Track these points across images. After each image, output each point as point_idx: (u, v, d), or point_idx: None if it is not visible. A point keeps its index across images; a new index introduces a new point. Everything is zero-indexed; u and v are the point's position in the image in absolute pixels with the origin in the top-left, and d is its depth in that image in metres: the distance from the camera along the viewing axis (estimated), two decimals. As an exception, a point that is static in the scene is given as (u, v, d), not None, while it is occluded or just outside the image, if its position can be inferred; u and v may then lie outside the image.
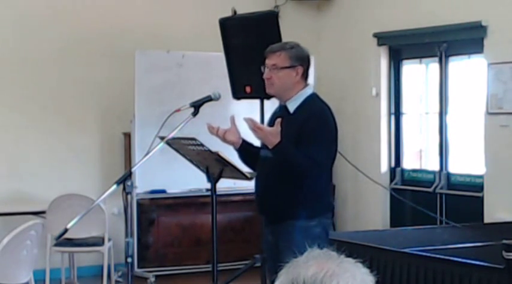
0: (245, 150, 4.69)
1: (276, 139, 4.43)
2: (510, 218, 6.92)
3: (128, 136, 8.51)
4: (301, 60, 4.64)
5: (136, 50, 8.19)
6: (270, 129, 4.52)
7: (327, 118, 4.60)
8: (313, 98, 4.67)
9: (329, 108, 4.66)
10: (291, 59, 4.62)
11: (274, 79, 4.62)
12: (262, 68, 4.70)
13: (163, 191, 8.41)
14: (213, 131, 4.61)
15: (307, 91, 4.65)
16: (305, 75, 4.66)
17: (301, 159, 4.44)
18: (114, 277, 7.88)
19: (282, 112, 4.69)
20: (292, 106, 4.62)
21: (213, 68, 8.21)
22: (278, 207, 4.60)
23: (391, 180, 8.78)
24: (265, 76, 4.64)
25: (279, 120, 4.49)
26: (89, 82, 8.60)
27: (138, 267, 8.23)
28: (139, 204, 8.36)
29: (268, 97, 5.88)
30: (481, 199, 7.64)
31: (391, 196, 8.68)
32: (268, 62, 4.65)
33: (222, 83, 7.30)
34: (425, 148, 8.72)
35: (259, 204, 4.78)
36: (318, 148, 4.47)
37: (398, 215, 8.67)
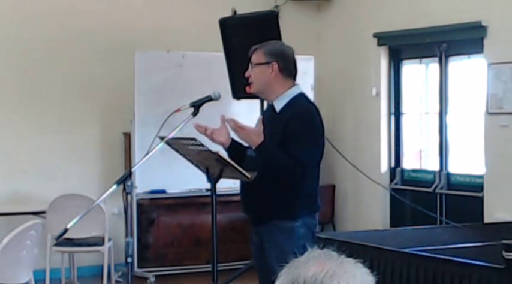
0: (234, 150, 4.67)
1: (259, 138, 4.40)
2: (510, 218, 6.92)
3: (128, 136, 8.51)
4: (276, 56, 4.59)
5: (136, 50, 8.19)
6: (252, 128, 4.49)
7: (312, 118, 4.56)
8: (300, 98, 4.61)
9: (316, 108, 4.62)
10: (265, 54, 4.59)
11: (252, 77, 4.62)
12: None
13: (163, 191, 8.41)
14: (201, 130, 4.59)
15: (294, 91, 4.61)
16: (286, 73, 4.59)
17: (284, 158, 4.42)
18: (114, 277, 7.87)
19: (269, 111, 4.68)
20: (278, 106, 4.59)
21: (213, 67, 8.21)
22: (262, 207, 4.58)
23: (391, 180, 8.78)
24: (246, 74, 4.65)
25: (260, 118, 4.48)
26: (88, 82, 8.60)
27: (138, 267, 8.23)
28: (139, 204, 8.36)
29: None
30: (481, 199, 7.64)
31: (391, 196, 8.68)
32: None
33: (222, 83, 7.30)
34: (425, 148, 8.72)
35: (244, 204, 4.76)
36: (302, 148, 4.45)
37: (398, 215, 8.67)
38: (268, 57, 4.58)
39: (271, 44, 4.72)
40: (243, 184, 4.69)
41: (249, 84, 4.73)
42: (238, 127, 4.45)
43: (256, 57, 4.61)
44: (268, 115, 4.65)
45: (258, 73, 4.59)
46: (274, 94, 4.59)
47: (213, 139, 4.61)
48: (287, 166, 4.42)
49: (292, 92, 4.60)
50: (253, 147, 4.45)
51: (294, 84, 4.63)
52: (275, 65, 4.57)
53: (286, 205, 4.52)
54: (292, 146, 4.43)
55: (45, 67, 8.46)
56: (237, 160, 4.58)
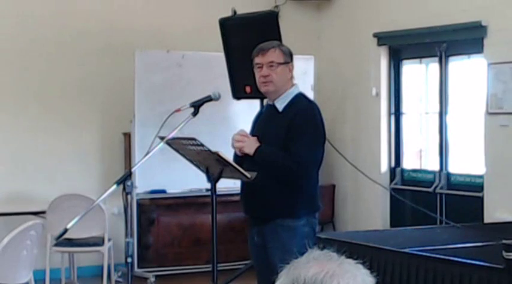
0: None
1: (257, 143, 4.57)
2: (510, 218, 6.92)
3: (128, 136, 8.51)
4: (291, 57, 4.76)
5: (136, 49, 8.19)
6: (251, 137, 4.66)
7: (313, 116, 4.66)
8: (300, 97, 4.75)
9: (316, 106, 4.76)
10: (285, 55, 4.73)
11: (273, 76, 4.66)
12: (253, 68, 4.74)
13: (163, 191, 8.41)
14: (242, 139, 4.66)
15: (294, 91, 4.74)
16: (292, 73, 4.78)
17: (285, 159, 4.49)
18: (114, 277, 7.87)
19: (269, 111, 4.73)
20: (280, 105, 4.68)
21: (213, 67, 8.21)
22: (266, 206, 4.60)
23: (391, 180, 8.78)
24: (263, 73, 4.66)
25: (242, 129, 4.68)
26: (88, 82, 8.60)
27: (138, 267, 8.23)
28: (139, 204, 8.36)
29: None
30: (481, 199, 7.64)
31: (391, 196, 8.68)
32: (262, 60, 4.68)
33: (222, 83, 7.30)
34: (425, 148, 8.72)
35: (245, 203, 4.78)
36: (305, 145, 4.52)
37: (398, 215, 8.67)
38: (287, 57, 4.72)
39: (283, 45, 4.86)
40: (244, 185, 4.71)
41: (255, 86, 4.81)
42: (243, 136, 4.63)
43: (277, 56, 4.69)
44: (268, 115, 4.70)
45: (281, 72, 4.69)
46: (279, 93, 4.67)
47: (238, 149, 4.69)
48: (288, 165, 4.49)
49: (292, 92, 4.72)
50: (252, 153, 4.56)
51: (293, 84, 4.72)
52: (291, 66, 4.73)
53: (289, 203, 4.54)
54: (295, 144, 4.50)
55: (45, 67, 8.45)
56: (239, 160, 4.65)
